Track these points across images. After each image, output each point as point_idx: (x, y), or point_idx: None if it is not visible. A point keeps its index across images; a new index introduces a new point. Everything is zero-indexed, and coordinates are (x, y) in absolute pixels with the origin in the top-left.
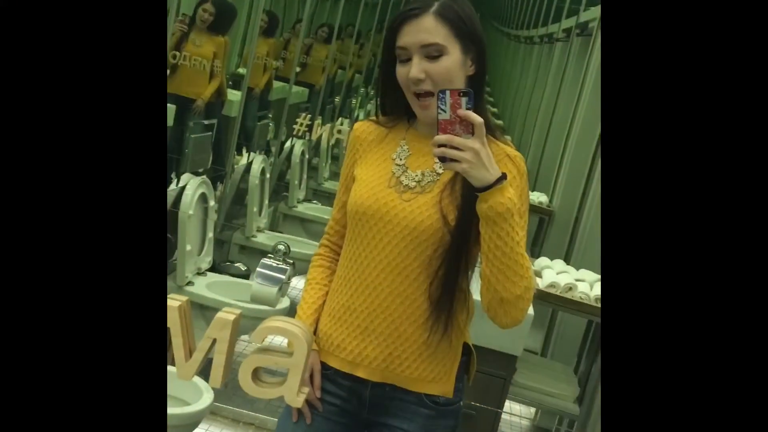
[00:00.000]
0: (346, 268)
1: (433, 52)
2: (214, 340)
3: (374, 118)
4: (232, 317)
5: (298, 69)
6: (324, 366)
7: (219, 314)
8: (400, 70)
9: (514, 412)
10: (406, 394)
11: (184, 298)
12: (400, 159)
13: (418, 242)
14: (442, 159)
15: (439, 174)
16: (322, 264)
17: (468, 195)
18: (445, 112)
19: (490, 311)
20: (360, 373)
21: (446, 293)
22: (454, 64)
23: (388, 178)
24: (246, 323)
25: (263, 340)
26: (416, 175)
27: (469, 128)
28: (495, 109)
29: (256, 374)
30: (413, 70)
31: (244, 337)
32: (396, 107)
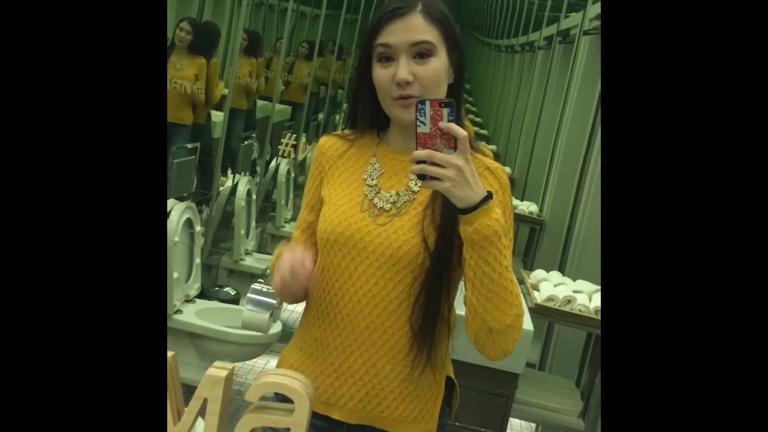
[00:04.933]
0: (319, 299)
1: (423, 51)
2: (205, 400)
3: (339, 132)
4: (223, 374)
5: (282, 88)
6: None
7: (209, 371)
8: (381, 73)
9: (515, 428)
10: None
11: (171, 353)
12: (372, 179)
13: (397, 270)
14: (422, 177)
15: (414, 192)
16: None
17: (449, 215)
18: (424, 124)
19: (478, 342)
20: (335, 415)
21: (428, 324)
22: (442, 67)
23: (360, 201)
24: (238, 350)
25: (259, 398)
26: (390, 196)
27: (452, 142)
28: (479, 119)
29: None
30: (401, 71)
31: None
32: (365, 119)
